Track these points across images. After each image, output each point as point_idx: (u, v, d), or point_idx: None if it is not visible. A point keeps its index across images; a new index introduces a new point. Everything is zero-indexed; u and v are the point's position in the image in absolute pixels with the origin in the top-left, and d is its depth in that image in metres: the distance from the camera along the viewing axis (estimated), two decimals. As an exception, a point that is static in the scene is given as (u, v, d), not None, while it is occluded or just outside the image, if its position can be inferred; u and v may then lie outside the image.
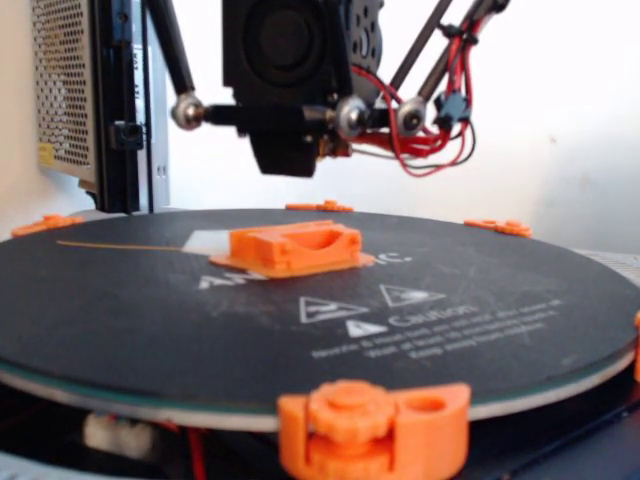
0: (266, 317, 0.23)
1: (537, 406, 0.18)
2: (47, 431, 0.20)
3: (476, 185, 0.67)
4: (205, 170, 0.65)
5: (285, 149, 0.27)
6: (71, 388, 0.18)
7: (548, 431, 0.19)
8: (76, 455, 0.19)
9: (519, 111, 0.65)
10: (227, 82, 0.27)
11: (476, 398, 0.17)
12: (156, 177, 0.52)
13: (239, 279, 0.27)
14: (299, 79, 0.25)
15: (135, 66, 0.49)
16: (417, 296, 0.26)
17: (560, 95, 0.65)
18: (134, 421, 0.19)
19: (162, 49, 0.27)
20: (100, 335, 0.21)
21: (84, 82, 0.49)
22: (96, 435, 0.19)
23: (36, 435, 0.20)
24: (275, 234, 0.29)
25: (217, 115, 0.26)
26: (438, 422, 0.15)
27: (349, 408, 0.15)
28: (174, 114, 0.27)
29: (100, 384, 0.17)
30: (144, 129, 0.49)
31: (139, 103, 0.50)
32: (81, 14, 0.48)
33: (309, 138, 0.26)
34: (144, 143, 0.49)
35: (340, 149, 0.28)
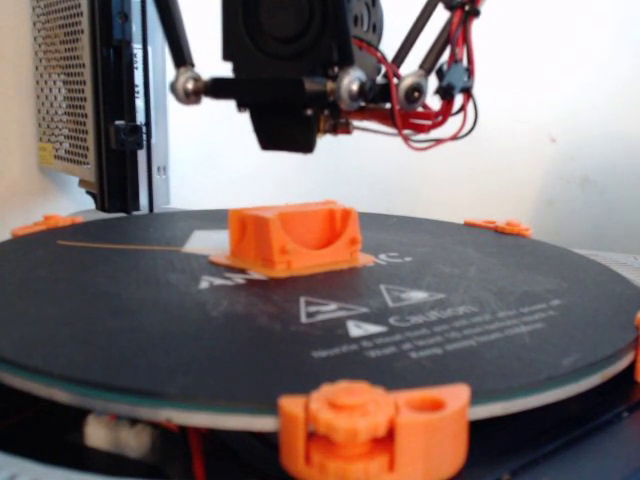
0: (266, 317, 0.23)
1: (537, 406, 0.18)
2: (47, 431, 0.20)
3: (476, 185, 0.67)
4: (205, 170, 0.65)
5: (285, 124, 0.26)
6: (71, 388, 0.18)
7: (548, 431, 0.19)
8: (76, 455, 0.19)
9: (519, 111, 0.65)
10: (226, 56, 0.26)
11: (476, 398, 0.17)
12: (156, 177, 0.52)
13: (239, 279, 0.27)
14: (299, 52, 0.25)
15: (135, 66, 0.49)
16: (417, 296, 0.26)
17: (560, 95, 0.65)
18: (134, 421, 0.19)
19: (161, 22, 0.26)
20: (100, 335, 0.21)
21: (84, 82, 0.49)
22: (96, 435, 0.19)
23: (36, 435, 0.20)
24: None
25: (217, 88, 0.26)
26: (438, 422, 0.15)
27: (349, 408, 0.15)
28: (173, 88, 0.26)
29: (100, 384, 0.17)
30: (144, 129, 0.49)
31: (139, 103, 0.50)
32: (81, 14, 0.48)
33: (310, 111, 0.25)
34: (144, 143, 0.49)
35: (341, 126, 0.28)
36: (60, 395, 0.18)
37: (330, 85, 0.24)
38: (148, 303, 0.24)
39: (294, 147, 0.27)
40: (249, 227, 0.29)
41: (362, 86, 0.24)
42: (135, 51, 0.49)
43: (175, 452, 0.19)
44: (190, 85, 0.26)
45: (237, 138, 0.60)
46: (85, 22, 0.48)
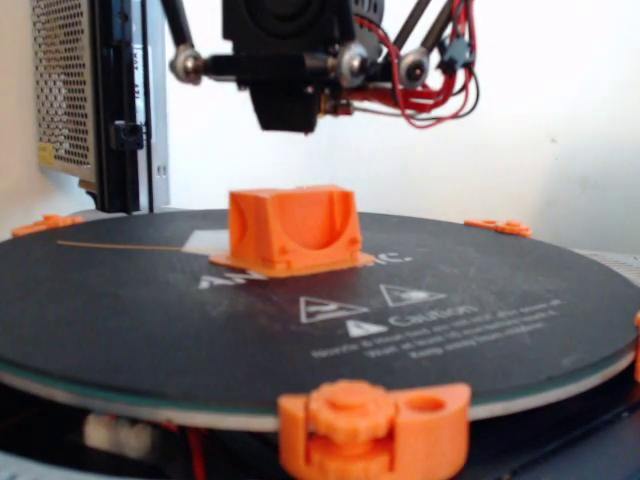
0: (266, 317, 0.23)
1: (537, 406, 0.18)
2: (47, 431, 0.20)
3: (476, 185, 0.67)
4: (205, 170, 0.65)
5: (286, 102, 0.26)
6: (71, 388, 0.18)
7: (548, 431, 0.19)
8: (76, 455, 0.19)
9: (519, 111, 0.65)
10: (227, 34, 0.26)
11: (476, 398, 0.17)
12: (156, 177, 0.52)
13: (239, 279, 0.27)
14: (300, 29, 0.25)
15: (135, 66, 0.49)
16: (417, 296, 0.26)
17: (560, 95, 0.65)
18: (134, 421, 0.19)
19: (161, 0, 0.26)
20: (100, 335, 0.21)
21: (84, 82, 0.49)
22: (96, 435, 0.19)
23: (36, 435, 0.20)
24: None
25: (217, 66, 0.26)
26: (438, 422, 0.15)
27: (349, 408, 0.15)
28: (173, 66, 0.26)
29: (100, 384, 0.17)
30: (144, 129, 0.49)
31: (139, 103, 0.50)
32: (81, 14, 0.48)
33: (310, 89, 0.25)
34: (144, 143, 0.49)
35: (341, 107, 0.28)
36: (60, 395, 0.18)
37: (331, 61, 0.24)
38: (148, 303, 0.24)
39: (295, 127, 0.26)
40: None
41: (363, 62, 0.23)
42: (135, 51, 0.49)
43: (175, 452, 0.19)
44: (190, 63, 0.26)
45: (237, 138, 0.60)
46: (85, 22, 0.48)
